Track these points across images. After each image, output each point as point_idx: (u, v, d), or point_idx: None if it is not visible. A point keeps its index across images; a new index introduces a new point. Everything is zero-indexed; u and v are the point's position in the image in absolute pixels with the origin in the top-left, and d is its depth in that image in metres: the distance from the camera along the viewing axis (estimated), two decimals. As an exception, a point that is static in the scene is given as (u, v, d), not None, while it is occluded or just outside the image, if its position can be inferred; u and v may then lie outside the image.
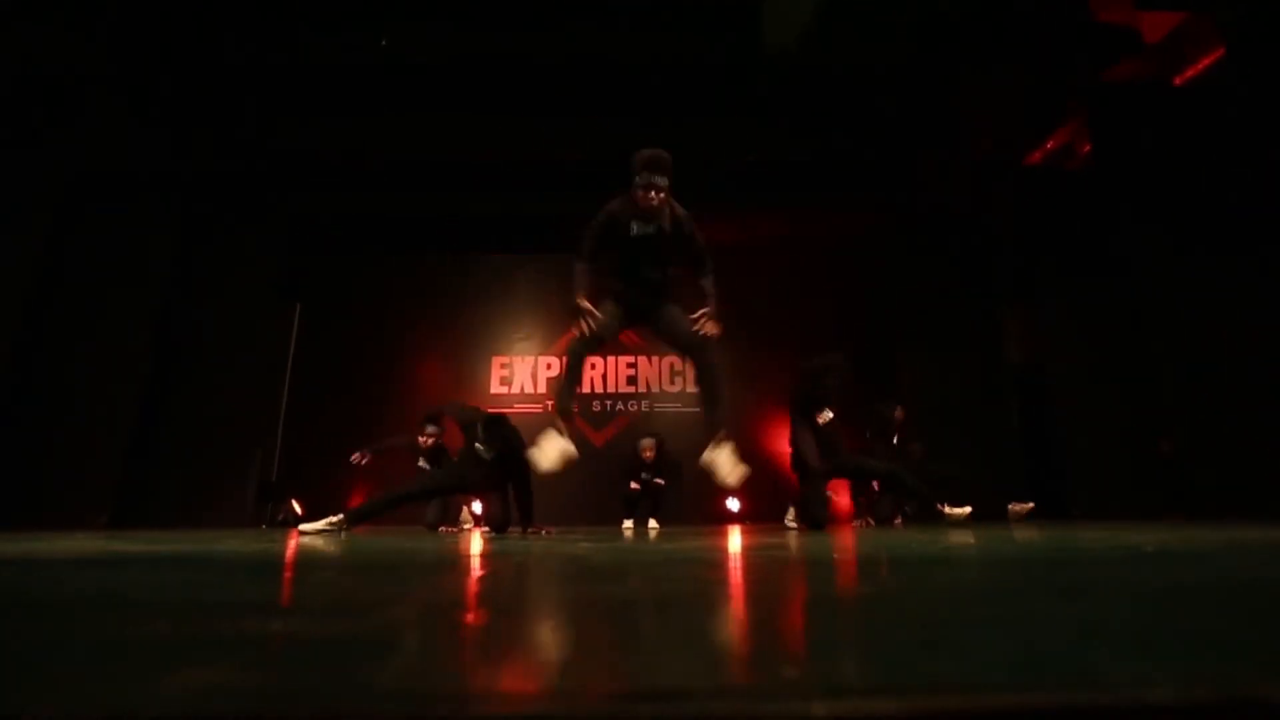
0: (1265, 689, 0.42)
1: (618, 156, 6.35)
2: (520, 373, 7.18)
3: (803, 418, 4.23)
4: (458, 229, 7.22)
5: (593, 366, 7.12)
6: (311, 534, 3.30)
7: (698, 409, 2.82)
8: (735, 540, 2.54)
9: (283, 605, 0.88)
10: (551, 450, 2.71)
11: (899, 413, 5.09)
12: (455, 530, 4.88)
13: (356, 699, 0.42)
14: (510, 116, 5.90)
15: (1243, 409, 4.35)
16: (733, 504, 6.56)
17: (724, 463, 2.71)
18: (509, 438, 3.73)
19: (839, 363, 4.33)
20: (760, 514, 6.37)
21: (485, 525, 4.03)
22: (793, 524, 4.38)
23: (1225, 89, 4.78)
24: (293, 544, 2.42)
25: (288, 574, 1.33)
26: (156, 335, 5.79)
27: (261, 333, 6.47)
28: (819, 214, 7.15)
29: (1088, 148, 5.71)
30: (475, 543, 2.62)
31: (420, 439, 4.87)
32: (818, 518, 4.01)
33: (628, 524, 5.29)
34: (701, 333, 2.83)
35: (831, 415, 4.27)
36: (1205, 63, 4.94)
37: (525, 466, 3.65)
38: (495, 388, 7.08)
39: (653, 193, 2.84)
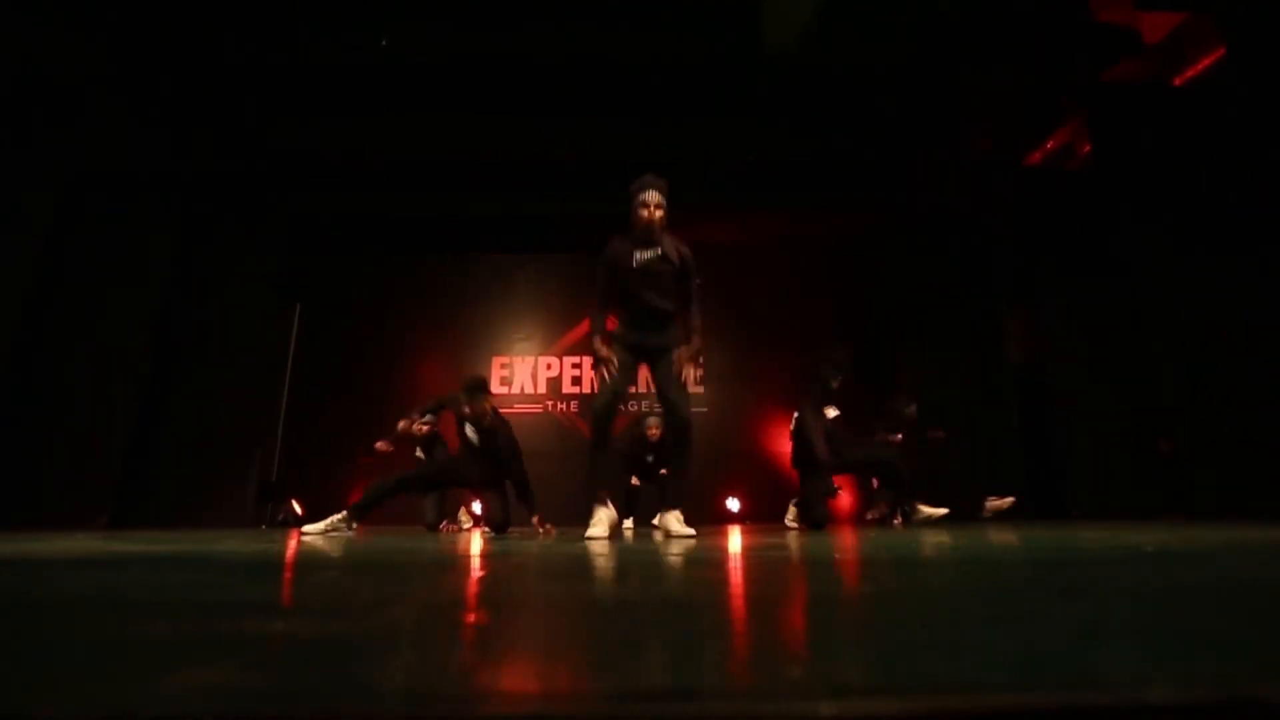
0: (1265, 689, 0.42)
1: (618, 156, 6.39)
2: (520, 373, 7.18)
3: (819, 411, 4.22)
4: (458, 229, 7.22)
5: (592, 367, 7.12)
6: (316, 535, 3.30)
7: (701, 409, 2.89)
8: (735, 540, 2.54)
9: (283, 605, 0.89)
10: (600, 524, 2.85)
11: (912, 409, 5.13)
12: (455, 529, 4.88)
13: (356, 699, 0.42)
14: (510, 116, 5.90)
15: (1243, 409, 4.35)
16: (733, 504, 6.56)
17: (674, 525, 2.97)
18: (496, 409, 3.79)
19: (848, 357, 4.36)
20: (760, 514, 6.37)
21: (485, 525, 4.02)
22: (793, 524, 4.37)
23: (1225, 89, 4.78)
24: (293, 544, 2.42)
25: (288, 574, 1.33)
26: (156, 335, 5.79)
27: (261, 333, 6.47)
28: (819, 214, 7.15)
29: (1088, 148, 5.71)
30: (475, 543, 2.62)
31: (415, 426, 4.87)
32: (818, 517, 4.00)
33: (628, 524, 5.08)
34: (684, 394, 2.99)
35: (838, 413, 4.28)
36: (1205, 63, 4.94)
37: (514, 446, 3.70)
38: (495, 388, 7.07)
39: (649, 208, 2.92)
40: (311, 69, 5.29)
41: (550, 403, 7.05)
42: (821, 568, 1.36)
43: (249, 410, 6.17)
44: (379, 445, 4.89)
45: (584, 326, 7.13)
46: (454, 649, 0.58)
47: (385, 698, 0.42)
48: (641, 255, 2.97)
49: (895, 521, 4.96)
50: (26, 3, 4.54)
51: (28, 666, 0.51)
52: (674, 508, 3.07)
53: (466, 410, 3.74)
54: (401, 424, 4.40)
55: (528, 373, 7.18)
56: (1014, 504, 4.95)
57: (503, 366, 7.20)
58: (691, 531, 2.95)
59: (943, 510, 4.35)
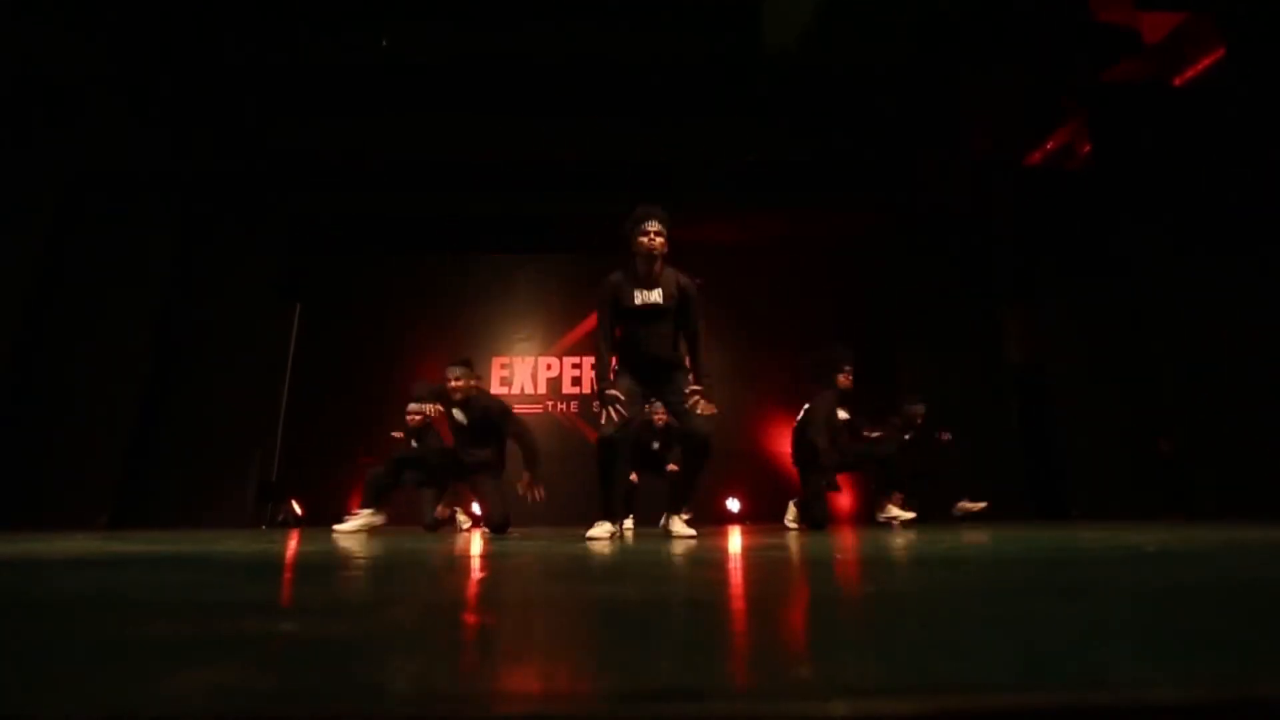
0: (1265, 689, 0.42)
1: (618, 156, 6.38)
2: (520, 373, 7.18)
3: (831, 408, 4.23)
4: (458, 229, 7.23)
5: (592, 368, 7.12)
6: (346, 533, 3.45)
7: (700, 411, 2.86)
8: (735, 541, 2.54)
9: (283, 605, 0.89)
10: (601, 526, 2.81)
11: (920, 408, 5.16)
12: (448, 511, 4.87)
13: (356, 699, 0.42)
14: (510, 116, 5.90)
15: (1243, 409, 4.36)
16: (733, 504, 6.56)
17: (677, 526, 2.99)
18: (481, 388, 3.86)
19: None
20: (760, 514, 6.37)
21: (485, 525, 4.02)
22: (793, 524, 4.37)
23: (1225, 89, 4.78)
24: (292, 544, 2.42)
25: (287, 574, 1.33)
26: (156, 335, 5.79)
27: (261, 333, 6.47)
28: (819, 214, 7.16)
29: (1088, 148, 5.71)
30: (475, 543, 2.62)
31: (407, 418, 4.87)
32: (818, 518, 4.01)
33: (628, 524, 4.88)
34: (702, 416, 2.86)
35: (849, 417, 4.30)
36: (1205, 63, 4.94)
37: (505, 406, 3.80)
38: (495, 388, 7.07)
39: (650, 236, 2.84)
40: (311, 69, 5.29)
41: (550, 403, 7.05)
42: (821, 568, 1.36)
43: (249, 410, 6.17)
44: (398, 435, 4.94)
45: (584, 327, 7.13)
46: (454, 649, 0.58)
47: (385, 698, 0.42)
48: (643, 297, 2.87)
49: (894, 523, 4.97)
50: (26, 3, 4.54)
51: (28, 666, 0.51)
52: (679, 511, 3.08)
53: (452, 383, 3.78)
54: (412, 407, 4.44)
55: (528, 373, 7.18)
56: (984, 509, 5.00)
57: (503, 366, 7.20)
58: (692, 532, 2.95)
59: (911, 515, 4.37)
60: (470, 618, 0.75)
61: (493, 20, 5.02)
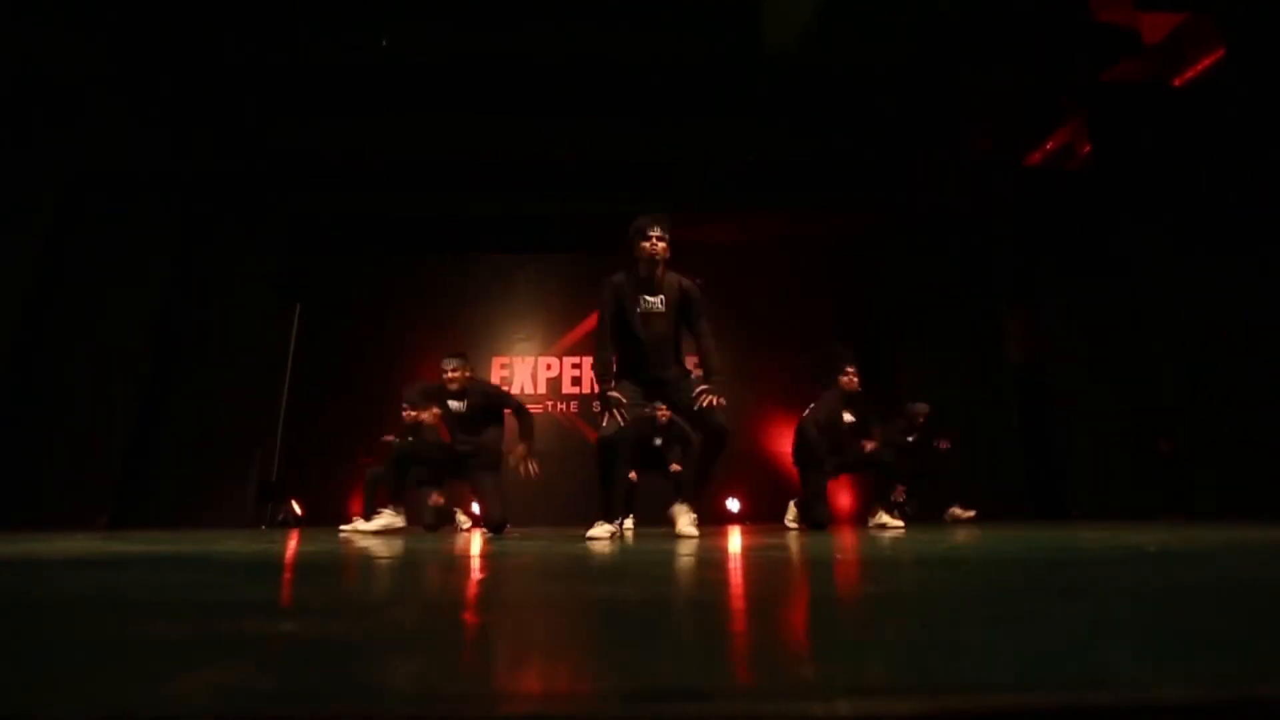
0: (1265, 689, 0.42)
1: (618, 156, 6.38)
2: (520, 373, 7.18)
3: (833, 409, 4.24)
4: (458, 229, 7.22)
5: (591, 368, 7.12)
6: (368, 532, 3.55)
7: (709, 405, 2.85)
8: (736, 541, 2.54)
9: (283, 605, 0.89)
10: (600, 533, 2.79)
11: (923, 406, 5.17)
12: (455, 529, 4.88)
13: (356, 699, 0.42)
14: (510, 116, 5.90)
15: (1243, 409, 4.36)
16: (733, 504, 6.56)
17: (684, 522, 2.96)
18: (478, 378, 3.96)
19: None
20: (760, 514, 6.37)
21: (484, 525, 4.02)
22: (793, 524, 4.37)
23: (1225, 89, 4.78)
24: (292, 544, 2.42)
25: (287, 574, 1.33)
26: (156, 335, 5.79)
27: (261, 333, 6.47)
28: (819, 214, 7.16)
29: (1088, 148, 5.71)
30: (475, 543, 2.62)
31: (403, 413, 4.88)
32: (820, 518, 4.01)
33: (628, 524, 4.77)
34: (716, 410, 2.83)
35: (854, 419, 4.30)
36: (1205, 63, 4.94)
37: (498, 388, 3.79)
38: (495, 388, 7.08)
39: (652, 241, 2.83)
40: (311, 69, 5.29)
41: (550, 403, 7.05)
42: (821, 568, 1.36)
43: (249, 410, 6.17)
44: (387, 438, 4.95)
45: (584, 326, 7.13)
46: (454, 649, 0.58)
47: (385, 698, 0.42)
48: (645, 303, 2.86)
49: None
50: (26, 3, 4.54)
51: (28, 666, 0.51)
52: (688, 500, 3.02)
53: (449, 374, 3.85)
54: (408, 413, 4.45)
55: (528, 373, 7.18)
56: (973, 518, 5.01)
57: (503, 366, 7.20)
58: (695, 533, 2.93)
59: (900, 524, 4.37)
60: (470, 618, 0.75)
61: (493, 20, 5.02)
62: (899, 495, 5.03)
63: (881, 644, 0.58)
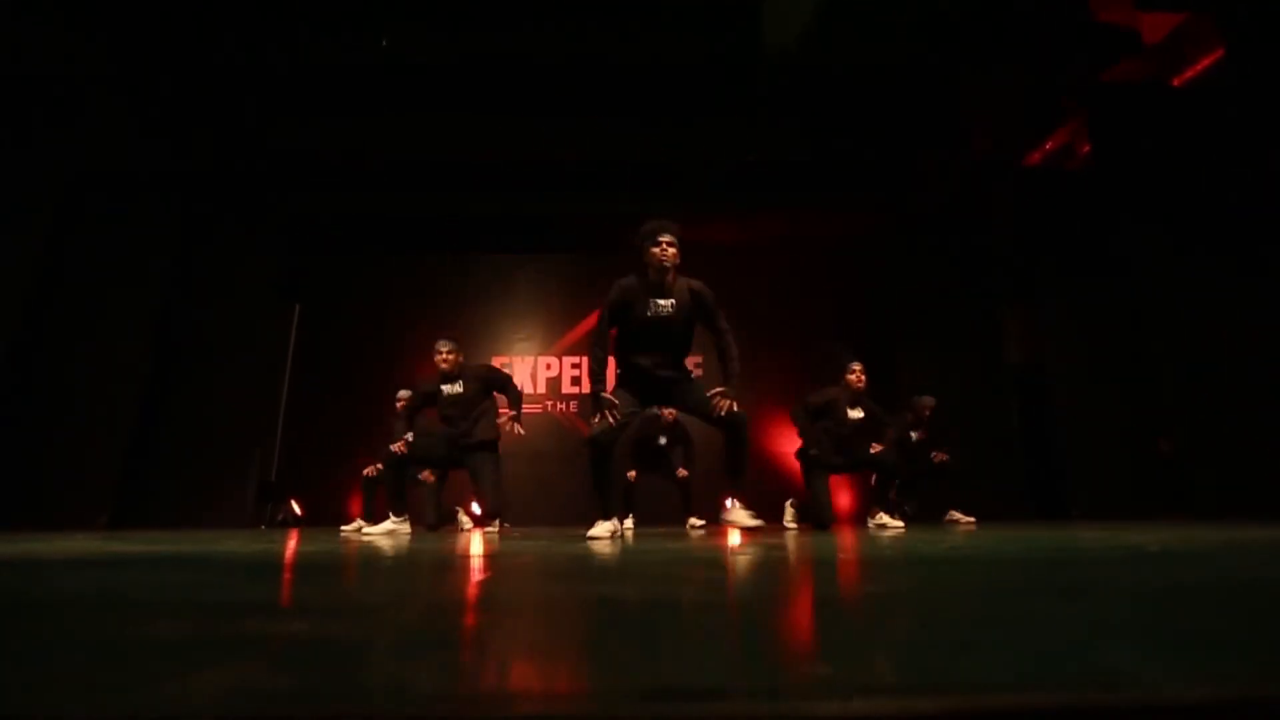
0: (1265, 689, 0.42)
1: (618, 156, 6.38)
2: (520, 373, 7.18)
3: (827, 401, 4.25)
4: (458, 229, 7.22)
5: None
6: (378, 535, 3.59)
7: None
8: (736, 541, 2.55)
9: (283, 606, 0.88)
10: (601, 532, 2.80)
11: (929, 399, 5.17)
12: (455, 529, 4.88)
13: (357, 699, 0.42)
14: (510, 116, 5.90)
15: (1243, 409, 4.36)
16: (732, 504, 6.54)
17: (739, 512, 3.00)
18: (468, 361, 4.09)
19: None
20: (760, 514, 6.36)
21: (480, 516, 4.07)
22: (792, 524, 4.37)
23: (1225, 89, 4.78)
24: (292, 544, 2.42)
25: (288, 575, 1.33)
26: (156, 335, 5.79)
27: (261, 333, 6.47)
28: (819, 214, 7.15)
29: (1088, 148, 5.71)
30: (475, 543, 2.62)
31: (398, 406, 4.88)
32: (823, 518, 4.02)
33: (628, 524, 4.78)
34: (728, 409, 2.88)
35: (861, 415, 4.30)
36: (1205, 63, 4.94)
37: (497, 368, 4.08)
38: (495, 388, 7.08)
39: (663, 246, 2.83)
40: (311, 69, 5.28)
41: (550, 403, 7.05)
42: (822, 567, 1.36)
43: (249, 410, 6.16)
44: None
45: (584, 326, 7.12)
46: (455, 649, 0.58)
47: (385, 698, 0.42)
48: (656, 306, 2.86)
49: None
50: (26, 3, 4.54)
51: (28, 666, 0.51)
52: (736, 488, 3.04)
53: (444, 354, 3.96)
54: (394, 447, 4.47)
55: (528, 373, 7.18)
56: (972, 524, 5.00)
57: (503, 366, 7.20)
58: (757, 523, 2.98)
59: (900, 524, 4.38)
60: (471, 618, 0.75)
61: (493, 20, 5.02)
62: (893, 493, 5.03)
63: (882, 644, 0.58)
